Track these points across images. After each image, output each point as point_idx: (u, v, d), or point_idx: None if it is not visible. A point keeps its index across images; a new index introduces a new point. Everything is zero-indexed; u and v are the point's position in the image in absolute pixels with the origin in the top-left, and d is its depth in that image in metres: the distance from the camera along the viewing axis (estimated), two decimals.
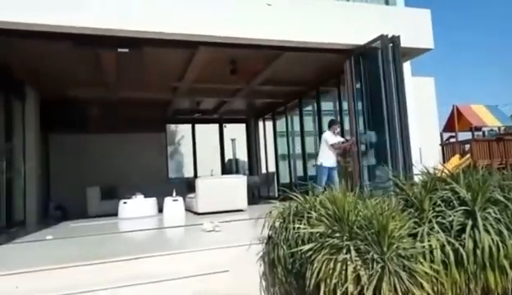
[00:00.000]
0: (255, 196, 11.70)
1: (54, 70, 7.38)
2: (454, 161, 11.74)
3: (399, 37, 5.96)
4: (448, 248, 3.04)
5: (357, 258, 2.84)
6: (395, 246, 2.84)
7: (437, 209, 3.31)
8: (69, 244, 4.78)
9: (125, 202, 7.64)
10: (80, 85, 8.45)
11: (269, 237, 3.80)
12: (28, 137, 7.55)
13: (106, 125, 10.26)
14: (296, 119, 11.04)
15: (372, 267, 2.77)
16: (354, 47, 6.30)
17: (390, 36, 6.01)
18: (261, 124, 13.07)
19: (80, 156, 10.06)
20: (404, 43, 6.64)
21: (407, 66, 12.37)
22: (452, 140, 14.53)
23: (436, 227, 3.16)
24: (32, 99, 7.84)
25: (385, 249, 2.79)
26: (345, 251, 2.89)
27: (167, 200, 7.55)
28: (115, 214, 7.66)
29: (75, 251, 4.22)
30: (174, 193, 7.74)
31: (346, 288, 2.80)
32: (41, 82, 7.82)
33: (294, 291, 3.62)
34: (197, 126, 12.86)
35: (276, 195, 11.10)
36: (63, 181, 9.54)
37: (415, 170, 4.23)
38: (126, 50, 6.07)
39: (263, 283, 3.83)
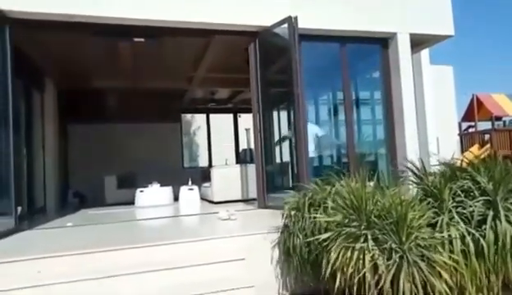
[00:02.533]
0: (271, 185, 11.70)
1: (72, 60, 7.49)
2: (474, 150, 11.51)
3: (296, 18, 5.27)
4: (468, 239, 2.98)
5: (374, 247, 2.82)
6: (413, 236, 2.80)
7: (457, 199, 3.25)
8: (88, 231, 4.88)
9: (141, 191, 7.76)
10: (98, 76, 8.56)
11: (285, 226, 3.80)
12: (47, 126, 7.70)
13: (122, 115, 10.37)
14: (311, 108, 10.94)
15: (391, 257, 2.74)
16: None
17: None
18: (275, 114, 13.01)
19: (98, 145, 10.21)
20: (421, 30, 6.49)
21: (425, 54, 12.07)
22: (471, 130, 14.22)
23: (456, 217, 3.10)
24: (51, 90, 7.97)
25: (403, 239, 2.76)
26: (362, 239, 2.87)
27: (183, 189, 7.63)
28: (132, 202, 7.78)
29: (95, 238, 4.31)
30: (189, 182, 7.82)
31: (363, 277, 2.79)
32: (59, 72, 7.94)
33: (310, 280, 3.62)
34: (211, 116, 12.91)
35: (291, 185, 11.08)
36: (81, 169, 9.72)
37: (433, 160, 4.15)
38: (142, 39, 6.12)
39: (279, 272, 3.84)
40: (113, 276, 3.28)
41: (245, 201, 7.10)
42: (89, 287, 3.19)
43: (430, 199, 3.28)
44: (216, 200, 7.17)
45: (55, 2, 4.84)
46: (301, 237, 3.48)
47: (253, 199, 7.28)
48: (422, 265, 2.68)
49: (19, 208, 5.11)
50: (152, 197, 7.71)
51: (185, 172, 10.60)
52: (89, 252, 3.44)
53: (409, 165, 3.85)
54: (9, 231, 4.53)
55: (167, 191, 7.93)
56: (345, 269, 2.89)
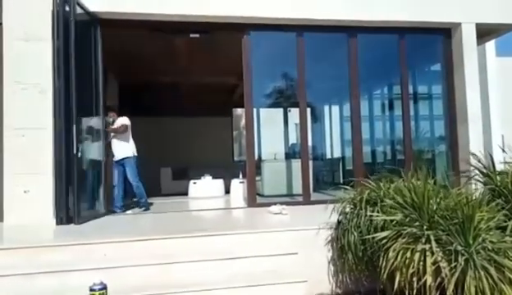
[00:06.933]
0: (320, 181, 11.58)
1: (132, 56, 7.84)
2: None
3: None
4: None
5: (437, 249, 2.69)
6: (481, 238, 2.64)
7: None
8: (148, 219, 5.14)
9: (194, 183, 8.02)
10: (155, 71, 8.90)
11: (339, 222, 3.74)
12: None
13: (177, 109, 10.74)
14: (364, 103, 10.62)
15: (455, 259, 2.60)
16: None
17: None
18: (327, 108, 12.79)
19: (154, 137, 10.68)
20: (488, 19, 6.04)
21: (490, 46, 11.19)
22: None
23: None
24: (113, 84, 8.44)
25: (470, 241, 2.60)
26: (424, 240, 2.75)
27: (234, 182, 7.77)
28: (185, 193, 8.06)
29: (155, 226, 4.53)
30: (240, 176, 7.94)
31: (424, 280, 2.67)
32: (120, 68, 8.37)
33: (364, 278, 3.55)
34: (261, 110, 12.94)
35: (341, 181, 10.88)
36: (139, 161, 10.20)
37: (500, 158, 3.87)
38: (197, 35, 6.28)
39: (332, 268, 3.80)
40: (170, 263, 3.42)
41: (295, 195, 7.08)
42: (149, 272, 3.35)
43: (499, 200, 3.07)
44: (266, 194, 7.22)
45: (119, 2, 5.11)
46: (356, 234, 3.41)
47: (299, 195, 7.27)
48: (492, 269, 2.51)
49: None
50: (204, 188, 7.95)
51: (235, 165, 10.78)
52: (149, 239, 3.61)
53: (474, 162, 3.62)
54: None
55: (219, 183, 8.13)
56: (403, 270, 2.79)
